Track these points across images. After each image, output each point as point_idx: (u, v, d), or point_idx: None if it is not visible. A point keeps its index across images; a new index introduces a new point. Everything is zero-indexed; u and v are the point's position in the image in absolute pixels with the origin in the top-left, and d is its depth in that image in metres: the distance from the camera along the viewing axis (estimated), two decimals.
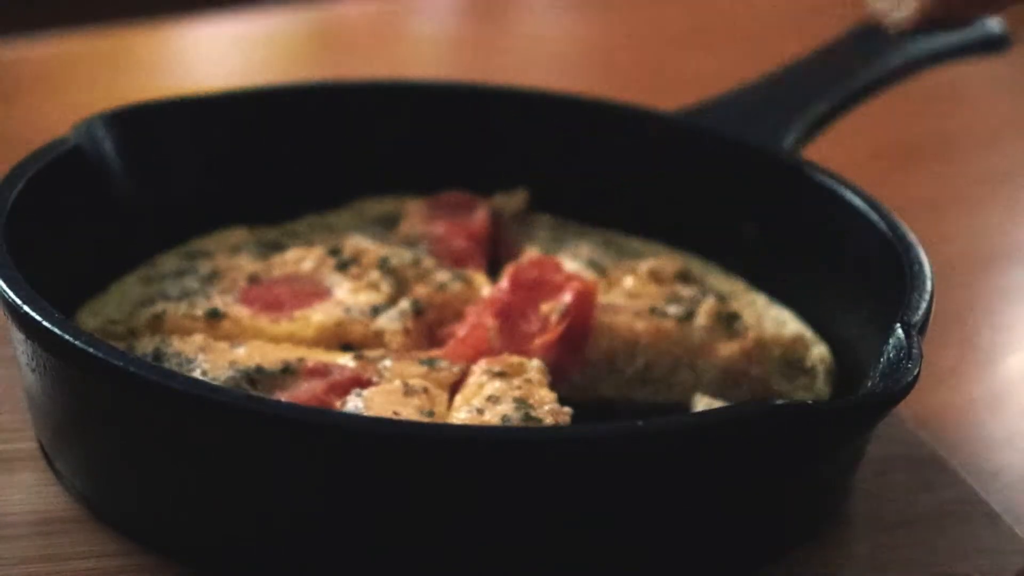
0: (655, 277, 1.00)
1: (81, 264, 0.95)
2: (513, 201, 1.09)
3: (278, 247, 1.02)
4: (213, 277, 0.97)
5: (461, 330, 0.94)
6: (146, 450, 0.80)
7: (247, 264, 0.99)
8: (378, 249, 1.00)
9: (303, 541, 0.78)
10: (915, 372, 0.79)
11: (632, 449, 0.76)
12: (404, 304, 0.95)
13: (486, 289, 0.98)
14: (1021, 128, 1.61)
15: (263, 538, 0.79)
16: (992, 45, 1.17)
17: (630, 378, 0.94)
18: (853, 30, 1.19)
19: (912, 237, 0.93)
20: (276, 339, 0.92)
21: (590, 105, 1.12)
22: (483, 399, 0.86)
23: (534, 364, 0.90)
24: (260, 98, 1.10)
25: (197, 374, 0.87)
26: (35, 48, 1.57)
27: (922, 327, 0.84)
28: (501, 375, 0.89)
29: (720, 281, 1.03)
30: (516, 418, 0.84)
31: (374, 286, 0.97)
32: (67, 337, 0.78)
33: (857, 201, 0.98)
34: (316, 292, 0.97)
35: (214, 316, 0.93)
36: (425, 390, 0.87)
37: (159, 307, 0.93)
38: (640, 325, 0.95)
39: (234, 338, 0.91)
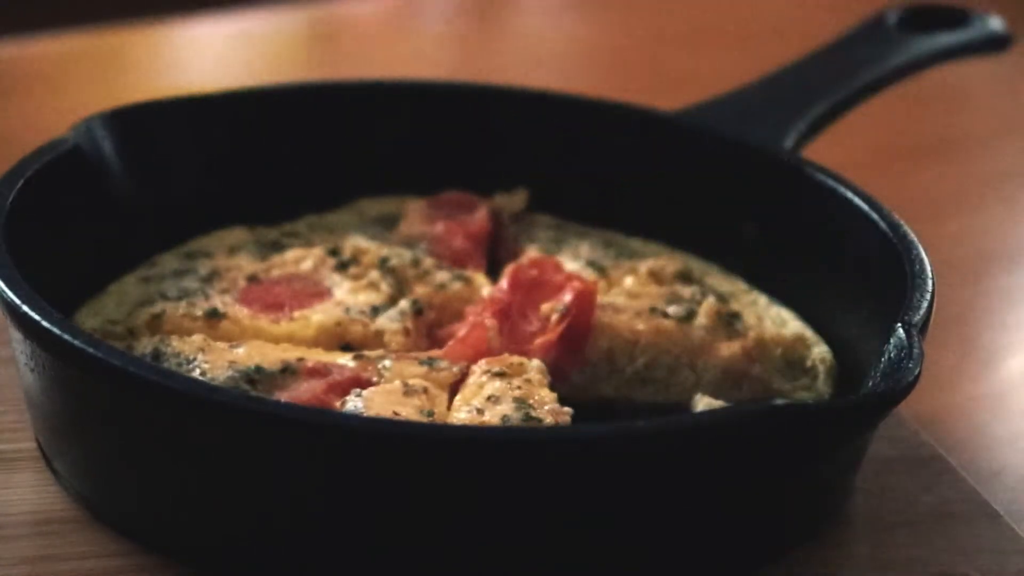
0: (655, 277, 1.00)
1: (80, 264, 0.95)
2: (513, 201, 1.09)
3: (278, 247, 1.02)
4: (212, 277, 0.97)
5: (461, 330, 0.94)
6: (145, 450, 0.80)
7: (246, 264, 0.99)
8: (378, 249, 1.00)
9: (303, 541, 0.78)
10: (916, 372, 0.79)
11: (632, 449, 0.76)
12: (404, 304, 0.95)
13: (486, 289, 0.98)
14: (1021, 128, 1.61)
15: (263, 538, 0.79)
16: (994, 44, 1.17)
17: (630, 378, 0.94)
18: (853, 30, 1.19)
19: (913, 236, 0.93)
20: (276, 339, 0.92)
21: (590, 105, 1.12)
22: (483, 399, 0.86)
23: (534, 364, 0.90)
24: (260, 98, 1.10)
25: (196, 374, 0.86)
26: (35, 47, 1.57)
27: (923, 327, 0.84)
28: (501, 375, 0.89)
29: (720, 281, 1.02)
30: (516, 418, 0.84)
31: (374, 286, 0.97)
32: (66, 337, 0.78)
33: (858, 201, 0.98)
34: (316, 292, 0.97)
35: (213, 316, 0.93)
36: (425, 390, 0.87)
37: (158, 307, 0.93)
38: (640, 325, 0.95)
39: (233, 338, 0.91)
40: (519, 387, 0.87)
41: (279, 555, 0.79)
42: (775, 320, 0.98)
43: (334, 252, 1.00)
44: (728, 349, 0.94)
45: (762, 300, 1.01)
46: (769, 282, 1.02)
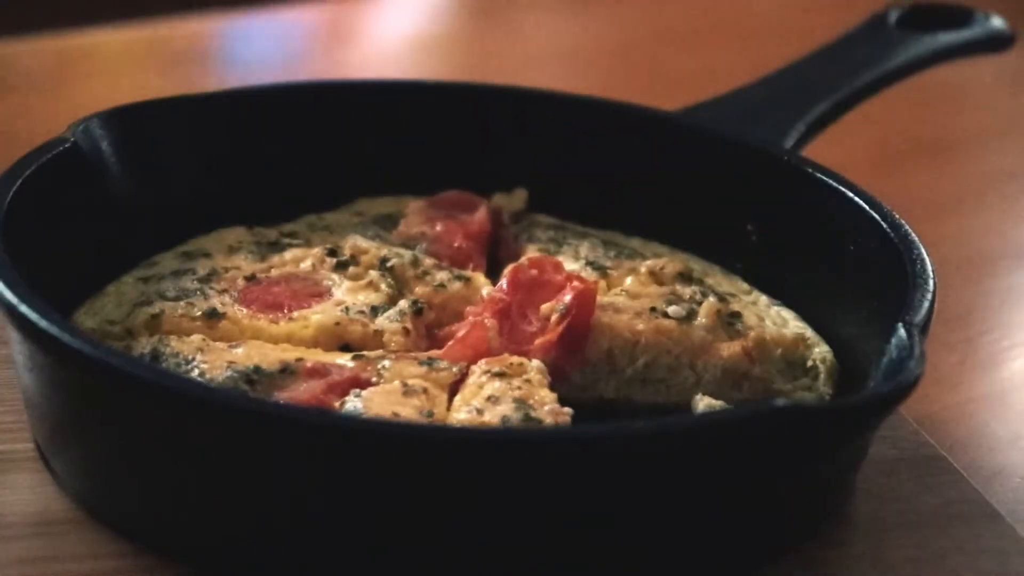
0: (655, 277, 1.00)
1: (79, 264, 0.95)
2: (513, 201, 1.09)
3: (277, 247, 1.02)
4: (211, 277, 0.97)
5: (461, 330, 0.93)
6: (144, 451, 0.80)
7: (246, 264, 0.99)
8: (377, 249, 1.00)
9: (303, 541, 0.78)
10: (917, 372, 0.78)
11: (632, 449, 0.76)
12: (403, 304, 0.95)
13: (486, 289, 0.98)
14: (1021, 128, 1.61)
15: (263, 538, 0.79)
16: (995, 43, 1.17)
17: (630, 378, 0.94)
18: (854, 29, 1.19)
19: (914, 236, 0.93)
20: (275, 339, 0.91)
21: (590, 105, 1.12)
22: (483, 399, 0.86)
23: (534, 364, 0.90)
24: (259, 98, 1.10)
25: (195, 374, 0.86)
26: (35, 47, 1.57)
27: (924, 327, 0.84)
28: (501, 375, 0.88)
29: (721, 281, 1.02)
30: (516, 418, 0.84)
31: (373, 286, 0.96)
32: (64, 337, 0.78)
33: (858, 200, 0.98)
34: (315, 292, 0.96)
35: (212, 316, 0.92)
36: (424, 390, 0.86)
37: (157, 307, 0.93)
38: (640, 325, 0.94)
39: (232, 338, 0.91)
40: (519, 387, 0.87)
41: (279, 555, 0.79)
42: (775, 320, 0.98)
43: (333, 252, 1.00)
44: (728, 349, 0.94)
45: (762, 300, 1.01)
46: (770, 282, 1.02)
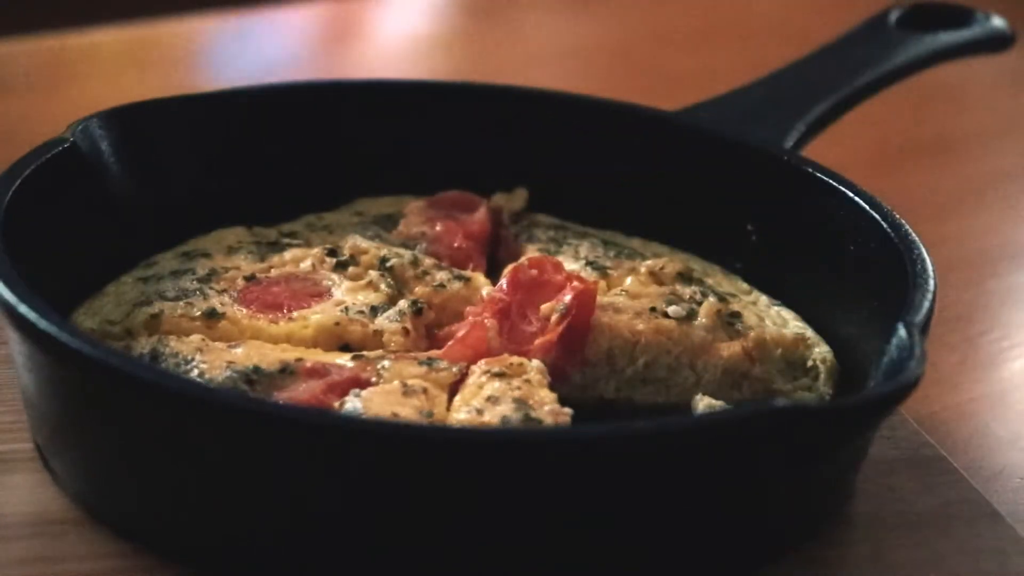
0: (655, 277, 1.00)
1: (78, 264, 0.95)
2: (513, 201, 1.09)
3: (276, 247, 1.01)
4: (211, 277, 0.97)
5: (461, 330, 0.93)
6: (144, 451, 0.80)
7: (245, 264, 0.99)
8: (377, 249, 1.00)
9: (303, 541, 0.78)
10: (918, 372, 0.78)
11: (632, 449, 0.76)
12: (403, 304, 0.95)
13: (486, 289, 0.98)
14: (1021, 128, 1.61)
15: (263, 538, 0.79)
16: (996, 43, 1.17)
17: (630, 378, 0.94)
18: (854, 29, 1.19)
19: (915, 236, 0.93)
20: (274, 339, 0.91)
21: (590, 105, 1.12)
22: (483, 400, 0.86)
23: (534, 364, 0.90)
24: (259, 98, 1.10)
25: (194, 375, 0.86)
26: (35, 47, 1.57)
27: (925, 327, 0.84)
28: (501, 376, 0.88)
29: (721, 281, 1.02)
30: (516, 419, 0.84)
31: (373, 286, 0.96)
32: (64, 337, 0.78)
33: (858, 200, 0.97)
34: (315, 292, 0.96)
35: (212, 316, 0.92)
36: (424, 390, 0.86)
37: (156, 307, 0.93)
38: (640, 325, 0.94)
39: (232, 338, 0.91)
40: (519, 387, 0.87)
41: (279, 555, 0.79)
42: (775, 320, 0.98)
43: (333, 252, 1.00)
44: (728, 349, 0.94)
45: (762, 300, 1.01)
46: (770, 282, 1.02)
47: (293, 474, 0.77)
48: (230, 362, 0.87)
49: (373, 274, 0.97)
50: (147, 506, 0.82)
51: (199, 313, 0.92)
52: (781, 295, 1.01)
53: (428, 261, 1.00)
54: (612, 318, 0.94)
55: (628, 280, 0.99)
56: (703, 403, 0.90)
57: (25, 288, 0.81)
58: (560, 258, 1.01)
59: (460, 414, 0.85)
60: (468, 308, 0.96)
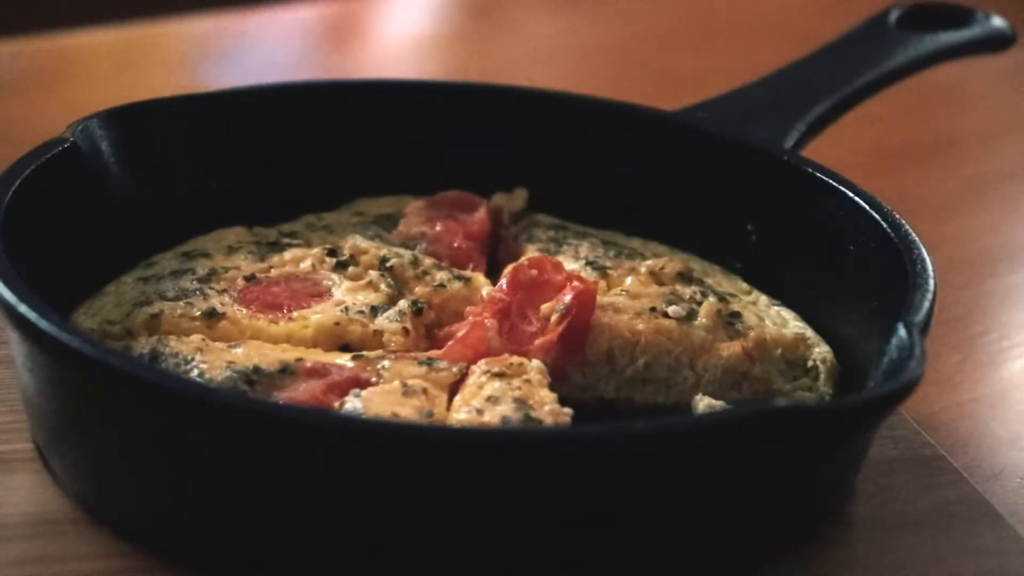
0: (655, 277, 1.00)
1: (78, 264, 0.95)
2: (513, 201, 1.09)
3: (277, 247, 1.01)
4: (211, 277, 0.97)
5: (461, 330, 0.93)
6: (144, 451, 0.80)
7: (245, 264, 0.99)
8: (377, 249, 1.00)
9: (303, 541, 0.78)
10: (918, 372, 0.78)
11: (632, 449, 0.75)
12: (403, 304, 0.95)
13: (486, 289, 0.98)
14: (1021, 128, 1.61)
15: (263, 538, 0.79)
16: (996, 43, 1.17)
17: (630, 378, 0.94)
18: (855, 29, 1.19)
19: (915, 236, 0.93)
20: (274, 339, 0.91)
21: (590, 105, 1.12)
22: (483, 400, 0.86)
23: (534, 365, 0.90)
24: (259, 98, 1.10)
25: (194, 375, 0.86)
26: (35, 47, 1.57)
27: (925, 327, 0.84)
28: (501, 376, 0.88)
29: (721, 281, 1.02)
30: (516, 419, 0.84)
31: (373, 286, 0.96)
32: (63, 337, 0.78)
33: (858, 200, 0.97)
34: (315, 292, 0.96)
35: (212, 316, 0.92)
36: (424, 391, 0.86)
37: (156, 307, 0.93)
38: (640, 325, 0.94)
39: (232, 338, 0.91)
40: (519, 387, 0.87)
41: (279, 555, 0.79)
42: (776, 320, 0.98)
43: (333, 252, 1.00)
44: (728, 349, 0.94)
45: (762, 300, 1.01)
46: (770, 282, 1.02)
47: (293, 474, 0.77)
48: (230, 362, 0.87)
49: (373, 274, 0.97)
50: (147, 506, 0.82)
51: (199, 313, 0.92)
52: (781, 295, 1.01)
53: (428, 261, 1.00)
54: (612, 318, 0.94)
55: (628, 280, 0.99)
56: (703, 403, 0.90)
57: (25, 288, 0.81)
58: (560, 258, 1.01)
59: (460, 414, 0.85)
60: (468, 308, 0.96)
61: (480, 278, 1.00)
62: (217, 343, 0.90)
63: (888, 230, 0.94)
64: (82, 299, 0.94)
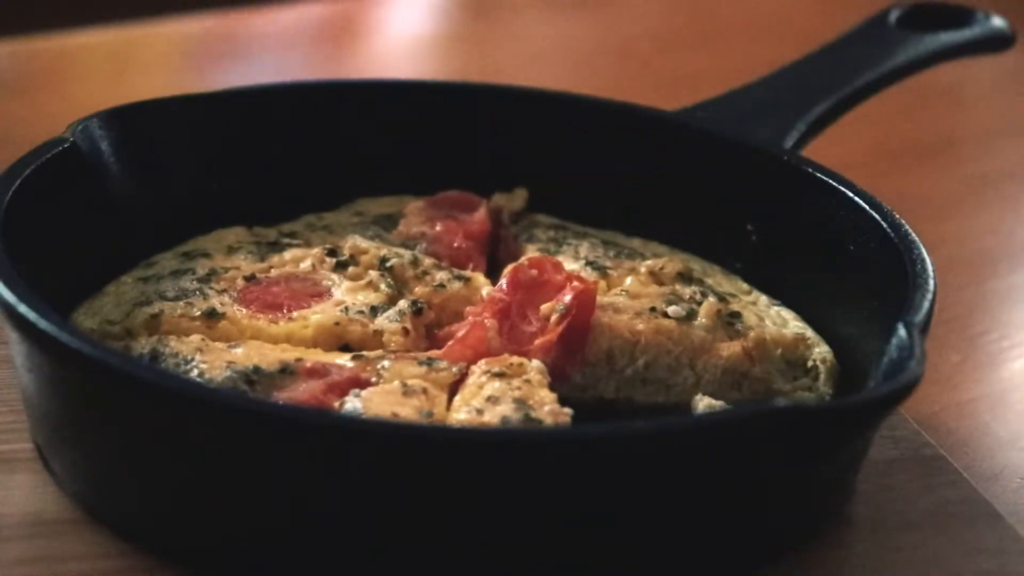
0: (655, 277, 1.00)
1: (78, 264, 0.95)
2: (513, 201, 1.09)
3: (276, 247, 1.01)
4: (211, 277, 0.96)
5: (461, 330, 0.93)
6: (143, 451, 0.80)
7: (245, 264, 0.99)
8: (377, 249, 1.00)
9: (303, 541, 0.78)
10: (918, 372, 0.78)
11: (632, 449, 0.75)
12: (403, 304, 0.95)
13: (486, 289, 0.98)
14: (1021, 128, 1.61)
15: (263, 538, 0.79)
16: (996, 43, 1.17)
17: (630, 378, 0.94)
18: (855, 29, 1.19)
19: (915, 236, 0.93)
20: (274, 339, 0.91)
21: (590, 105, 1.12)
22: (483, 400, 0.86)
23: (534, 365, 0.90)
24: (259, 98, 1.10)
25: (194, 375, 0.86)
26: (35, 47, 1.57)
27: (925, 327, 0.84)
28: (501, 376, 0.88)
29: (721, 281, 1.02)
30: (516, 419, 0.84)
31: (373, 286, 0.96)
32: (63, 338, 0.78)
33: (858, 200, 0.97)
34: (315, 292, 0.96)
35: (212, 316, 0.92)
36: (424, 391, 0.86)
37: (156, 307, 0.93)
38: (640, 325, 0.94)
39: (232, 338, 0.91)
40: (519, 388, 0.87)
41: (279, 555, 0.79)
42: (775, 320, 0.98)
43: (333, 252, 1.00)
44: (728, 349, 0.94)
45: (762, 300, 1.01)
46: (770, 282, 1.02)
47: (293, 474, 0.77)
48: (230, 362, 0.87)
49: (373, 274, 0.97)
50: (147, 506, 0.82)
51: (199, 313, 0.92)
52: (781, 295, 1.01)
53: (428, 261, 1.00)
54: (612, 318, 0.94)
55: (628, 280, 0.99)
56: (703, 403, 0.90)
57: (25, 288, 0.81)
58: (560, 258, 1.01)
59: (460, 414, 0.85)
60: (468, 308, 0.96)
61: (480, 278, 1.00)
62: (217, 343, 0.90)
63: (888, 230, 0.94)
64: (82, 299, 0.94)
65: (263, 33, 1.71)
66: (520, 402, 0.85)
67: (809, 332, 0.97)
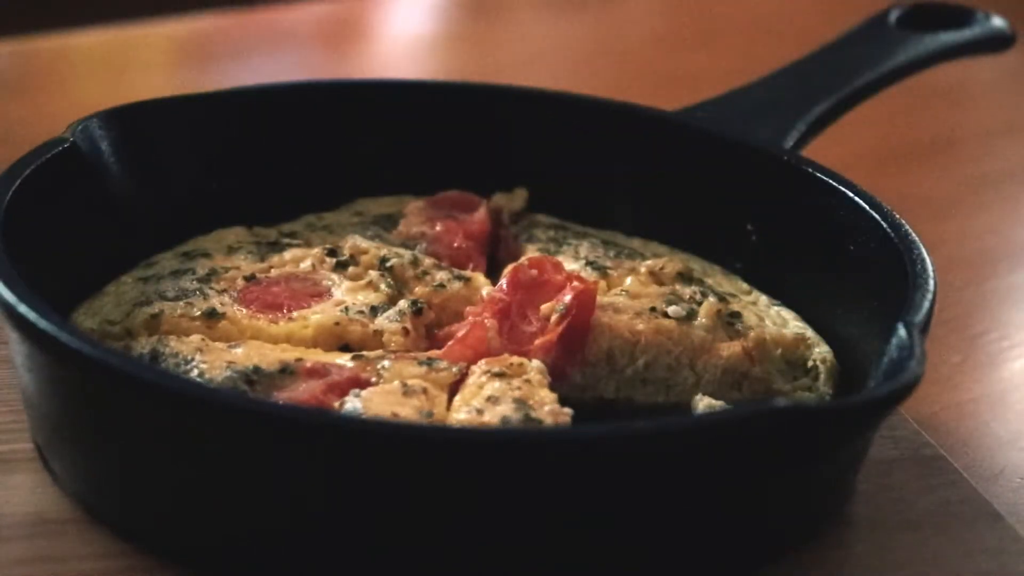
0: (655, 277, 1.00)
1: (78, 264, 0.95)
2: (513, 201, 1.09)
3: (277, 247, 1.01)
4: (211, 277, 0.96)
5: (461, 330, 0.93)
6: (143, 451, 0.80)
7: (245, 264, 0.99)
8: (377, 249, 1.00)
9: (303, 541, 0.78)
10: (918, 372, 0.78)
11: (632, 449, 0.75)
12: (403, 304, 0.95)
13: (486, 289, 0.98)
14: (1021, 128, 1.61)
15: (263, 538, 0.79)
16: (996, 43, 1.17)
17: (630, 378, 0.94)
18: (855, 29, 1.19)
19: (915, 236, 0.93)
20: (274, 339, 0.91)
21: (590, 105, 1.12)
22: (483, 400, 0.86)
23: (534, 365, 0.90)
24: (259, 98, 1.10)
25: (194, 375, 0.86)
26: (35, 47, 1.57)
27: (925, 326, 0.84)
28: (501, 376, 0.88)
29: (721, 281, 1.02)
30: (516, 419, 0.84)
31: (373, 286, 0.96)
32: (63, 337, 0.78)
33: (858, 200, 0.97)
34: (315, 292, 0.96)
35: (212, 316, 0.92)
36: (424, 391, 0.86)
37: (156, 307, 0.93)
38: (640, 325, 0.94)
39: (232, 338, 0.91)
40: (519, 387, 0.87)
41: (279, 555, 0.79)
42: (775, 320, 0.98)
43: (333, 252, 1.00)
44: (728, 349, 0.94)
45: (762, 300, 1.01)
46: (770, 282, 1.02)
47: (293, 474, 0.77)
48: (230, 362, 0.87)
49: (373, 274, 0.97)
50: (147, 506, 0.82)
51: (199, 313, 0.92)
52: (781, 295, 1.01)
53: (428, 261, 1.00)
54: (612, 318, 0.94)
55: (628, 280, 0.99)
56: (703, 403, 0.90)
57: (25, 288, 0.81)
58: (560, 258, 1.01)
59: (460, 414, 0.85)
60: (468, 308, 0.96)
61: (480, 278, 1.00)
62: (217, 343, 0.90)
63: (888, 230, 0.94)
64: (82, 299, 0.94)
65: (263, 33, 1.71)
66: (520, 402, 0.85)
67: (809, 332, 0.97)
